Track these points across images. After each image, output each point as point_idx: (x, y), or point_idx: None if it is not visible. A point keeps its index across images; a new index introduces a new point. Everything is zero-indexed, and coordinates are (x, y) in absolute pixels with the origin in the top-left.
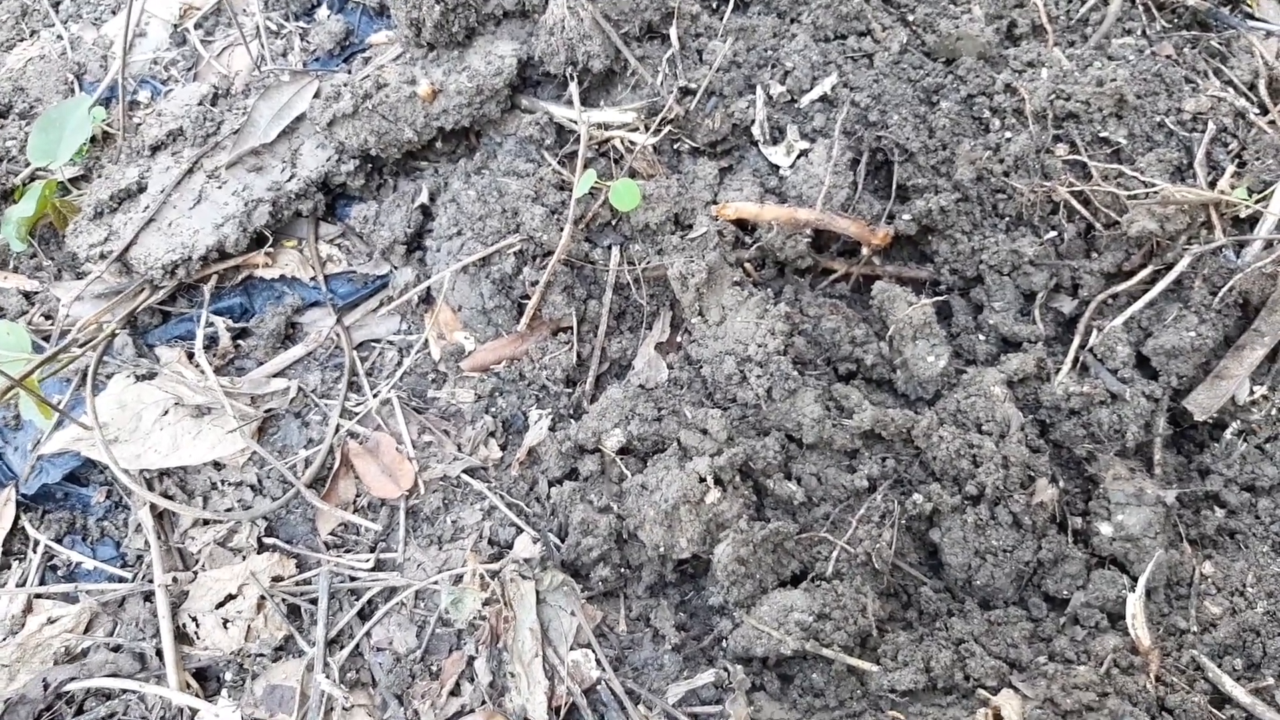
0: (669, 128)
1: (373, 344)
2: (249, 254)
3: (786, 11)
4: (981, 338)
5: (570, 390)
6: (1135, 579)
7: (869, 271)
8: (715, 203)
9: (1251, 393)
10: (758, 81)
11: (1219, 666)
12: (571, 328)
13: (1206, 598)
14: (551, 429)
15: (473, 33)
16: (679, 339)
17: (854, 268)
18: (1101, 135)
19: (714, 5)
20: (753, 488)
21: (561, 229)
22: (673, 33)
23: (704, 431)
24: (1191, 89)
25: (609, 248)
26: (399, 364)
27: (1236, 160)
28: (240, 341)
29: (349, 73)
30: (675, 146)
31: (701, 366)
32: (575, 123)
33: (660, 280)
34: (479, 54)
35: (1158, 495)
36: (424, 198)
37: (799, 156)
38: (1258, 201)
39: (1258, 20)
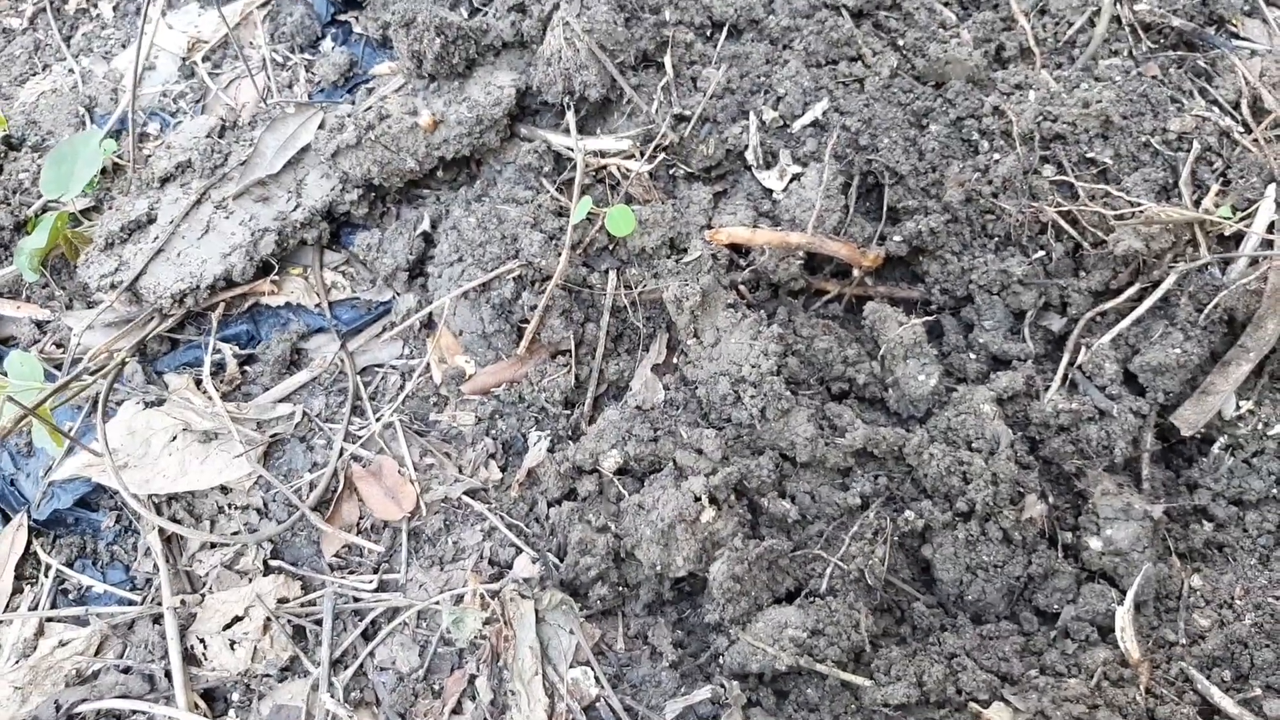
0: (664, 154)
1: (376, 369)
2: (255, 282)
3: (779, 38)
4: (972, 356)
5: (569, 412)
6: (1124, 592)
7: (861, 292)
8: (709, 227)
9: (1238, 408)
10: (751, 107)
11: (1208, 678)
12: (570, 351)
13: (1195, 610)
14: (550, 450)
15: (472, 64)
16: (675, 361)
17: (846, 288)
18: (1088, 156)
19: (707, 33)
20: (747, 506)
21: (559, 254)
22: (667, 61)
23: (699, 451)
24: (1177, 109)
25: (606, 272)
26: (401, 388)
27: (1221, 179)
28: (246, 368)
29: (353, 104)
30: (670, 172)
31: (697, 387)
32: (572, 150)
33: (656, 303)
34: (479, 84)
35: (1146, 510)
36: (426, 225)
37: (791, 180)
38: (1241, 219)
39: (1242, 40)
